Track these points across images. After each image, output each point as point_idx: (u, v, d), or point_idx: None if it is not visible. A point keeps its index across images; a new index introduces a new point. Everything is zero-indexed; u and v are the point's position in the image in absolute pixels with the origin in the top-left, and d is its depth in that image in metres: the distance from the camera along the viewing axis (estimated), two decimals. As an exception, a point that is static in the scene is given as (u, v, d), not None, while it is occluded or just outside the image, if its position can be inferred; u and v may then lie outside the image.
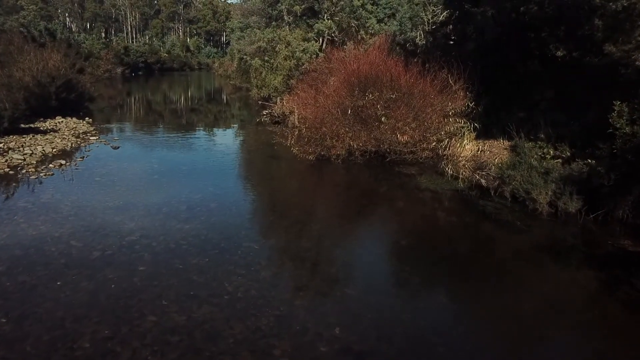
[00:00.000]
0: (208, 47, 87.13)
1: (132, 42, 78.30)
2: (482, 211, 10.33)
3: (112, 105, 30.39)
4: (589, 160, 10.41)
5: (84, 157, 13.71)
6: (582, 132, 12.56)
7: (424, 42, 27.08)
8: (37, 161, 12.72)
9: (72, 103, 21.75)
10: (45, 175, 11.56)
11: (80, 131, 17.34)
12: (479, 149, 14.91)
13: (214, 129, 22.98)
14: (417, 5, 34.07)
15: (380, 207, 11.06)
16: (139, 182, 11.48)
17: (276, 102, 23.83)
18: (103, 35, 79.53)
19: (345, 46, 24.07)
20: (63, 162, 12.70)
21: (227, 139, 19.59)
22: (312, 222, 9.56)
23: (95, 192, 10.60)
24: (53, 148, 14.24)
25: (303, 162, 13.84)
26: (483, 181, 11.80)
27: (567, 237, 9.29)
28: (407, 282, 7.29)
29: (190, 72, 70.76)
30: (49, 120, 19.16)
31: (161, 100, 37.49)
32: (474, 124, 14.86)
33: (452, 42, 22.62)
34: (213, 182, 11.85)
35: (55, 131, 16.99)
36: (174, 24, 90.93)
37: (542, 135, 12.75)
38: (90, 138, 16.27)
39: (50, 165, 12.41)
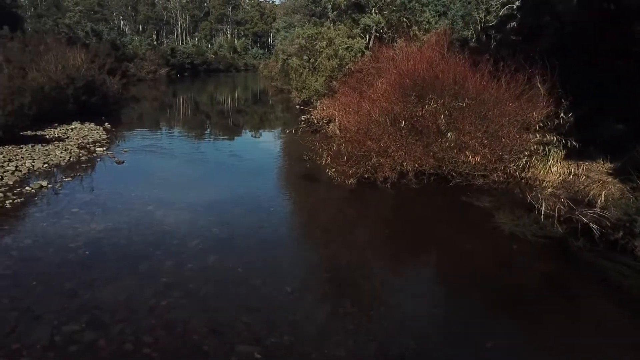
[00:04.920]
0: (255, 49, 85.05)
1: (182, 44, 77.15)
2: (603, 279, 6.70)
3: (145, 108, 28.06)
4: None
5: (75, 175, 10.86)
6: None
7: (475, 41, 23.51)
8: (15, 181, 9.97)
9: (94, 107, 19.21)
10: (11, 203, 8.73)
11: (90, 140, 14.63)
12: (570, 172, 11.12)
13: (242, 138, 19.89)
14: (469, 3, 30.66)
15: (445, 268, 7.51)
16: (125, 217, 8.46)
17: (316, 106, 20.62)
18: (155, 37, 78.78)
19: (395, 44, 20.52)
20: (45, 183, 9.88)
21: (253, 152, 15.83)
22: (347, 297, 6.18)
23: (60, 233, 7.63)
24: (45, 163, 11.51)
25: (341, 187, 10.51)
26: (594, 226, 8.08)
27: None
28: None
29: (236, 74, 68.69)
30: (64, 126, 16.66)
31: (197, 102, 34.99)
32: (563, 139, 11.05)
33: (518, 39, 18.73)
34: (221, 219, 8.65)
35: (62, 140, 14.36)
36: (222, 25, 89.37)
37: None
38: (97, 149, 13.49)
39: (28, 188, 9.61)
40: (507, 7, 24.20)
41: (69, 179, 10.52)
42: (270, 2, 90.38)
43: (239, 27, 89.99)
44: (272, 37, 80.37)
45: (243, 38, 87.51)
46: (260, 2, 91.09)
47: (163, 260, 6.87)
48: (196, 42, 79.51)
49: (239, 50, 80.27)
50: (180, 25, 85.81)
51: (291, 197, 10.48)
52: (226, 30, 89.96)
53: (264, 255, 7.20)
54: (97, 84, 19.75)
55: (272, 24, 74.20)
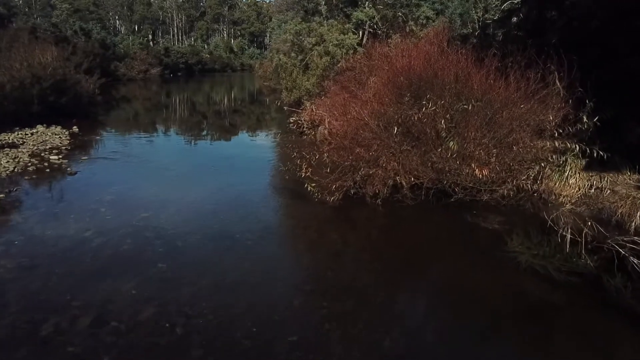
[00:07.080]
0: (252, 49, 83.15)
1: (178, 43, 75.32)
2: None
3: (128, 109, 26.25)
4: None
5: (11, 190, 9.07)
6: None
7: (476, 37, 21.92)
8: None
9: (65, 108, 17.42)
10: None
11: (48, 147, 12.84)
12: (592, 185, 9.38)
13: (222, 144, 18.02)
14: (467, 1, 29.29)
15: (449, 313, 5.75)
16: (51, 248, 6.69)
17: (306, 107, 18.87)
18: (151, 37, 76.83)
19: (389, 40, 18.75)
20: (-33, 204, 8.12)
21: (231, 161, 13.53)
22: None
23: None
24: (-21, 176, 9.76)
25: (324, 204, 8.75)
26: (634, 260, 6.34)
27: None
28: None
29: (232, 73, 66.75)
30: (26, 129, 14.86)
31: (185, 103, 33.13)
32: (585, 147, 9.25)
33: (523, 34, 17.01)
34: (172, 250, 6.88)
35: (15, 146, 12.59)
36: (218, 25, 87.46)
37: None
38: (52, 158, 11.70)
39: (-56, 209, 7.86)
40: (508, 1, 22.64)
41: (2, 195, 8.73)
42: (267, 1, 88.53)
43: (235, 27, 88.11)
44: (269, 37, 78.51)
45: (239, 38, 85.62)
46: (257, 1, 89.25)
47: (79, 315, 5.11)
48: (192, 42, 77.60)
49: (235, 50, 78.31)
50: (177, 25, 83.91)
51: (264, 218, 8.66)
52: (223, 30, 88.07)
53: (217, 305, 5.43)
54: (69, 84, 17.93)
55: (269, 24, 72.37)
